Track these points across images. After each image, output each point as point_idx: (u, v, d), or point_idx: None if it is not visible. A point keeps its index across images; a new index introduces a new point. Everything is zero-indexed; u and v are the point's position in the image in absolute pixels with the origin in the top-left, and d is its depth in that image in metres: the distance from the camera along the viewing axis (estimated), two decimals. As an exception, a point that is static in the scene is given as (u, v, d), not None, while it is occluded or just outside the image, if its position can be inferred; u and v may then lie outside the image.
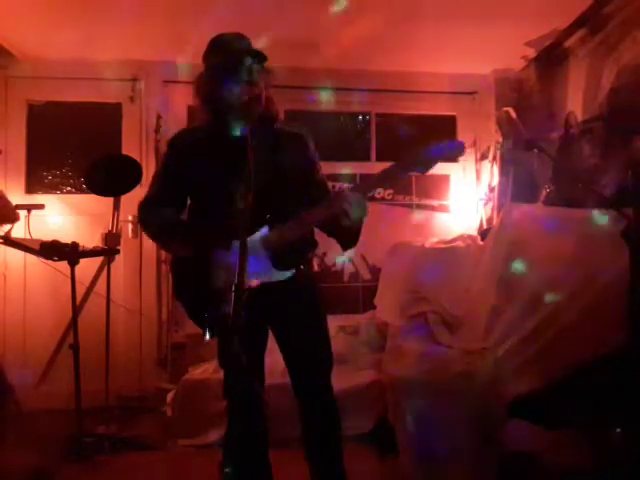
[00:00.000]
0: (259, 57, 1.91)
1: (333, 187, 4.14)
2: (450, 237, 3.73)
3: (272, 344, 2.10)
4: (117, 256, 3.50)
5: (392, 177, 1.81)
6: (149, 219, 2.04)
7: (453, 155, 1.83)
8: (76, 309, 3.19)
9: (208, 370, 3.41)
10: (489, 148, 4.22)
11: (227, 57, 1.90)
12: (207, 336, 1.83)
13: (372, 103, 4.34)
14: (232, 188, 1.68)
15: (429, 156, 1.76)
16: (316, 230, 2.08)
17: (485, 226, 4.03)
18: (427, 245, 3.56)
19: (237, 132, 1.94)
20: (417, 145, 1.80)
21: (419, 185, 4.34)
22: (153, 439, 3.22)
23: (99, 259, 3.66)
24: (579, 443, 2.21)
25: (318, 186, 2.07)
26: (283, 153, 1.98)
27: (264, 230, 1.88)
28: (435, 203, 4.43)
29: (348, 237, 1.97)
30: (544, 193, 3.47)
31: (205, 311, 1.85)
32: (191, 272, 1.97)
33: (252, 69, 1.89)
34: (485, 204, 4.16)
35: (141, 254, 4.03)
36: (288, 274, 1.94)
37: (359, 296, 4.27)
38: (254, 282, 1.82)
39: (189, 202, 2.08)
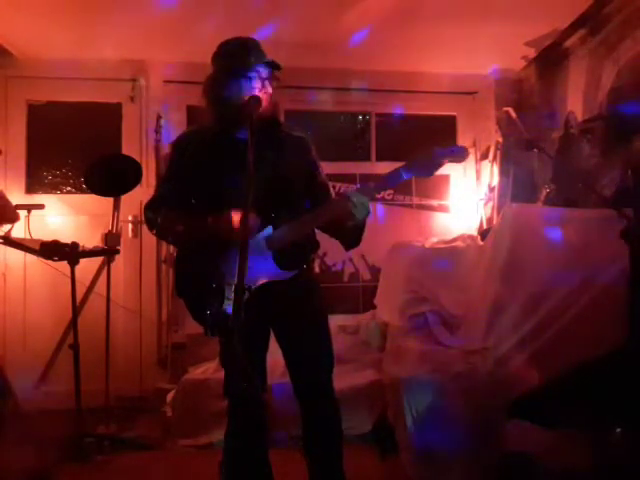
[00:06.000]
0: (266, 63, 1.95)
1: (333, 187, 4.13)
2: (450, 237, 3.73)
3: (273, 344, 2.10)
4: (117, 256, 3.50)
5: (397, 180, 1.83)
6: (154, 219, 2.07)
7: (456, 160, 1.83)
8: (76, 309, 3.19)
9: (208, 370, 3.41)
10: (489, 148, 4.22)
11: (233, 61, 1.93)
12: (208, 334, 1.84)
13: (372, 103, 4.34)
14: (235, 188, 1.70)
15: (434, 161, 1.78)
16: (318, 231, 2.09)
17: (485, 226, 4.03)
18: (427, 245, 3.56)
19: (239, 134, 1.95)
20: (420, 147, 1.82)
21: (419, 185, 4.34)
22: (153, 439, 3.22)
23: (99, 259, 3.66)
24: (579, 443, 2.21)
25: (320, 187, 2.10)
26: (286, 155, 2.01)
27: (268, 230, 1.89)
28: (435, 203, 4.43)
29: (351, 237, 2.00)
30: (544, 193, 3.47)
31: (207, 309, 1.86)
32: (195, 269, 1.97)
33: (257, 74, 1.92)
34: (485, 204, 4.16)
35: (141, 254, 4.03)
36: (290, 274, 1.95)
37: (359, 296, 4.27)
38: (256, 282, 1.84)
39: (194, 202, 2.08)
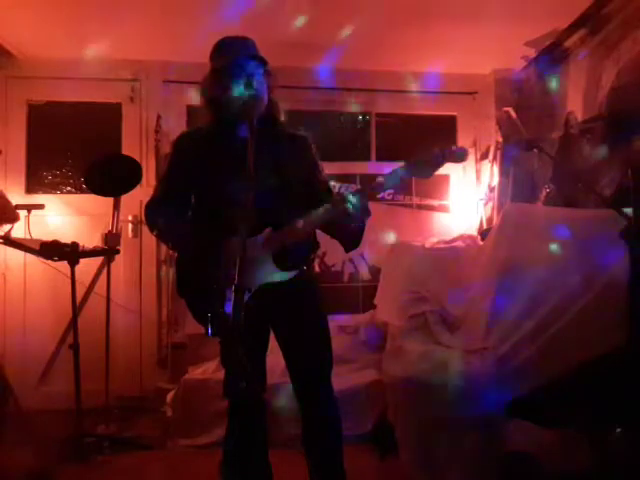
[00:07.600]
0: (262, 61, 1.94)
1: (333, 187, 4.14)
2: (450, 237, 3.73)
3: (273, 344, 2.10)
4: (117, 256, 3.50)
5: (396, 181, 1.82)
6: (154, 219, 2.07)
7: (456, 161, 1.83)
8: (76, 309, 3.19)
9: (208, 370, 3.41)
10: (489, 148, 4.22)
11: (230, 60, 1.92)
12: (209, 334, 1.84)
13: (372, 103, 4.34)
14: (234, 188, 1.70)
15: (434, 162, 1.76)
16: (318, 231, 2.08)
17: (485, 226, 4.03)
18: (427, 245, 3.55)
19: (239, 133, 1.95)
20: (420, 147, 1.81)
21: (419, 185, 4.34)
22: (153, 439, 3.22)
23: (99, 259, 3.66)
24: (579, 443, 2.21)
25: (321, 187, 2.08)
26: (285, 154, 2.00)
27: (267, 231, 1.89)
28: (435, 203, 4.42)
29: (351, 239, 1.99)
30: (544, 193, 3.47)
31: (208, 309, 1.85)
32: (195, 269, 1.97)
33: (254, 72, 1.91)
34: (485, 204, 4.16)
35: (141, 254, 4.03)
36: (290, 275, 1.95)
37: (359, 296, 4.27)
38: (257, 282, 1.84)
39: (193, 201, 2.08)
